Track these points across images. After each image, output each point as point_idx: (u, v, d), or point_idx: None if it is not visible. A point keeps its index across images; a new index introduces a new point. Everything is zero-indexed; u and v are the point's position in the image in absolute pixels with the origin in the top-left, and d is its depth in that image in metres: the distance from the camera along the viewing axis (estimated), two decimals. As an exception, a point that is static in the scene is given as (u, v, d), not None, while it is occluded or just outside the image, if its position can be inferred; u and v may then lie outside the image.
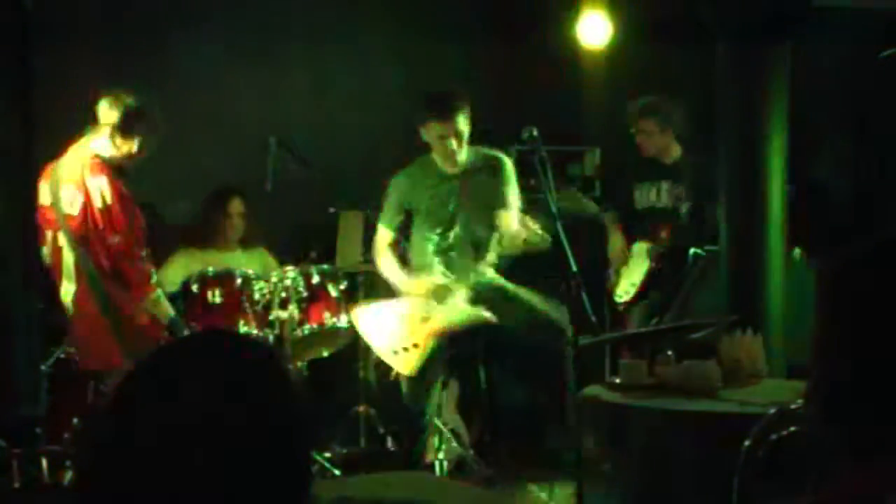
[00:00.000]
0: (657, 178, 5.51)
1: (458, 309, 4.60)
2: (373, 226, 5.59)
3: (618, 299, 5.50)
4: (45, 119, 4.92)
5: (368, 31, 6.35)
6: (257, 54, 6.12)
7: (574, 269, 4.10)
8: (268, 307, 4.97)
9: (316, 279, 5.09)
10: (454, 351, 4.78)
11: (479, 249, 4.72)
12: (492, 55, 6.36)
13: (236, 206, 5.53)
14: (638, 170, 5.56)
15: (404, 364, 4.63)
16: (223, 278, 4.99)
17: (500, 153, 4.78)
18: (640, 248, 5.52)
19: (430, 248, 4.73)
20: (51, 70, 5.14)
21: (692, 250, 5.20)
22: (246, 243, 5.60)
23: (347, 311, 5.16)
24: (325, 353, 5.31)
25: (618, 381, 3.81)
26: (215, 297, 4.94)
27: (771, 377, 3.82)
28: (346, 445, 5.40)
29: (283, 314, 4.96)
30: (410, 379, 4.67)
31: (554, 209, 4.21)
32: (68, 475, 4.42)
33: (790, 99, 4.62)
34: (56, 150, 4.86)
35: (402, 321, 4.64)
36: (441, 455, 5.20)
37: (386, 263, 4.80)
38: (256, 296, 4.98)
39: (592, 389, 3.79)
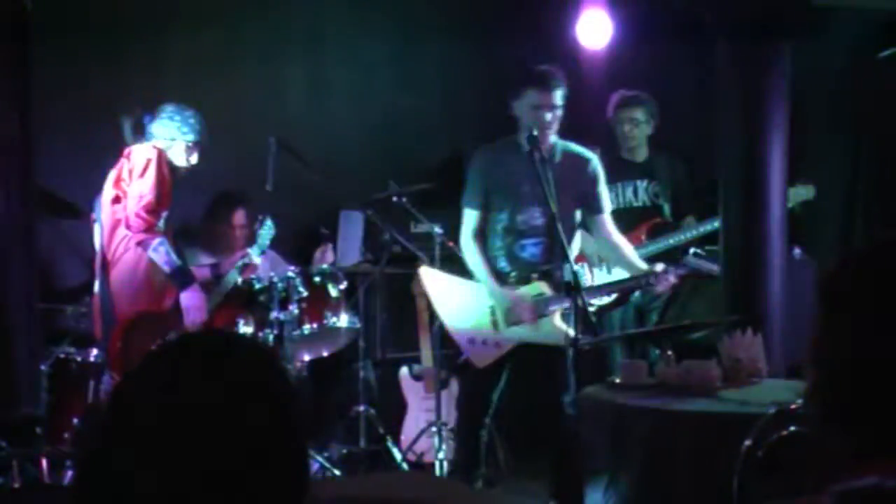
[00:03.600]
0: (632, 178, 5.52)
1: (553, 327, 4.39)
2: (373, 226, 5.61)
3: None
4: (45, 119, 4.93)
5: (368, 31, 6.35)
6: (257, 54, 6.12)
7: (574, 269, 4.11)
8: (268, 307, 4.97)
9: (316, 279, 5.10)
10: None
11: (555, 242, 4.35)
12: (492, 55, 6.36)
13: (240, 217, 5.55)
14: (611, 170, 5.54)
15: (480, 358, 4.48)
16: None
17: (589, 151, 4.55)
18: None
19: (500, 229, 4.49)
20: (51, 70, 5.14)
21: (692, 250, 5.18)
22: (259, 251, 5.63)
23: (347, 311, 5.17)
24: (325, 353, 5.32)
25: (618, 381, 3.81)
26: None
27: (771, 377, 3.82)
28: (346, 445, 5.40)
29: (283, 314, 4.97)
30: (477, 373, 4.52)
31: (554, 209, 4.21)
32: (68, 475, 4.42)
33: (790, 99, 4.62)
34: (56, 149, 4.88)
35: (483, 310, 4.49)
36: (441, 455, 5.20)
37: (471, 256, 4.51)
38: (256, 296, 4.99)
39: (592, 389, 3.79)
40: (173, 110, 4.80)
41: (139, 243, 4.60)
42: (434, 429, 5.28)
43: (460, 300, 4.61)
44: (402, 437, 5.58)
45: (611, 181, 5.47)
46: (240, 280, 5.03)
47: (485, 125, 6.30)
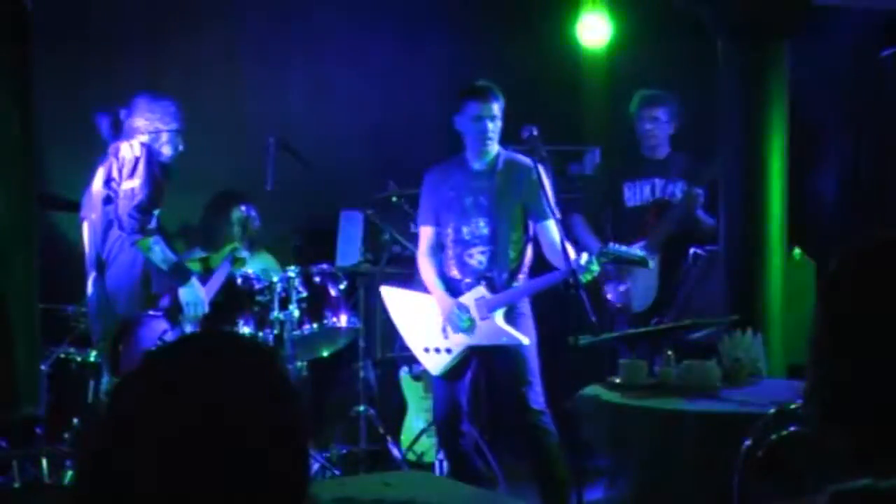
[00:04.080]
0: (651, 175, 5.50)
1: (494, 329, 4.49)
2: (373, 226, 5.61)
3: (637, 310, 5.29)
4: (45, 119, 4.93)
5: (368, 31, 6.35)
6: (257, 54, 6.12)
7: (574, 268, 4.11)
8: (268, 307, 4.97)
9: (316, 279, 5.10)
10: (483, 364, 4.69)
11: (499, 249, 4.56)
12: (492, 55, 6.36)
13: (239, 215, 5.54)
14: (629, 167, 5.54)
15: (434, 364, 4.61)
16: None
17: (530, 160, 4.60)
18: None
19: (450, 241, 4.63)
20: (51, 70, 5.14)
21: (692, 250, 5.18)
22: (250, 249, 5.62)
23: (347, 311, 5.17)
24: (325, 353, 5.32)
25: (618, 381, 3.81)
26: (220, 302, 4.96)
27: (771, 377, 3.82)
28: (346, 445, 5.40)
29: (283, 314, 4.97)
30: (441, 382, 4.63)
31: (554, 209, 4.21)
32: (68, 475, 4.42)
33: (790, 99, 4.62)
34: (56, 149, 4.88)
35: (435, 320, 4.60)
36: (441, 455, 5.20)
37: (423, 267, 4.71)
38: (256, 296, 4.99)
39: (592, 389, 3.79)
40: (150, 101, 4.71)
41: (134, 244, 4.59)
42: (434, 429, 5.28)
43: (415, 314, 4.72)
44: (402, 437, 5.58)
45: (630, 178, 5.48)
46: (239, 280, 5.02)
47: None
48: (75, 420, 4.62)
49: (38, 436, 4.51)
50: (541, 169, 4.55)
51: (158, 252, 4.59)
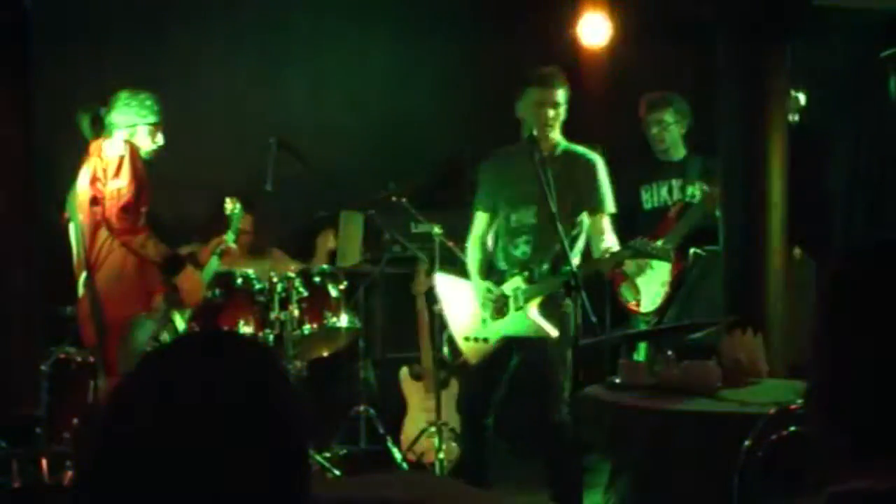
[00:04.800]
0: (667, 177, 5.49)
1: (526, 320, 4.45)
2: (373, 226, 5.61)
3: (646, 310, 5.29)
4: (45, 118, 4.93)
5: (368, 31, 6.35)
6: (257, 54, 6.12)
7: (574, 269, 4.11)
8: (268, 307, 4.97)
9: (316, 279, 5.10)
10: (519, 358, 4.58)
11: (543, 239, 4.43)
12: (492, 55, 6.36)
13: (246, 223, 5.54)
14: (645, 170, 5.53)
15: (473, 353, 4.59)
16: (223, 278, 5.01)
17: (594, 153, 4.57)
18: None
19: (500, 230, 4.59)
20: (51, 70, 5.14)
21: (692, 250, 5.18)
22: (255, 252, 5.63)
23: (347, 311, 5.17)
24: (325, 353, 5.32)
25: (618, 381, 3.81)
26: (215, 297, 4.95)
27: (771, 377, 3.82)
28: (346, 445, 5.40)
29: (283, 314, 4.97)
30: (475, 372, 4.61)
31: (554, 209, 4.21)
32: (68, 475, 4.42)
33: (790, 99, 4.62)
34: (56, 149, 4.87)
35: (477, 309, 4.58)
36: (441, 455, 5.20)
37: (469, 257, 4.67)
38: (256, 296, 4.99)
39: (592, 389, 3.79)
40: (128, 96, 4.67)
41: (123, 244, 4.55)
42: (434, 429, 5.28)
43: (460, 302, 4.69)
44: (402, 437, 5.58)
45: (646, 181, 5.47)
46: (239, 280, 5.01)
47: (484, 125, 6.31)
48: (75, 420, 4.62)
49: (38, 436, 4.50)
50: (600, 162, 4.52)
51: (151, 247, 4.56)
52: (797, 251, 5.36)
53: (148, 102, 4.68)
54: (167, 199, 5.63)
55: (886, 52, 5.40)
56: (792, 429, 2.83)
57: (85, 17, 5.65)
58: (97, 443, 1.18)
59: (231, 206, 5.21)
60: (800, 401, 3.02)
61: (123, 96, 4.67)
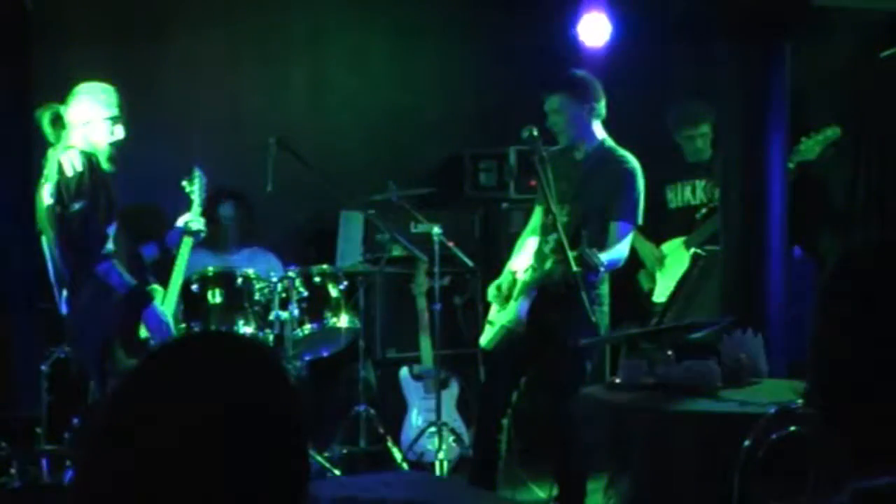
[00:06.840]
0: (692, 177, 5.52)
1: (520, 312, 4.46)
2: (373, 226, 5.61)
3: (657, 299, 5.40)
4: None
5: (368, 31, 6.35)
6: (257, 54, 6.12)
7: (574, 269, 4.10)
8: (268, 307, 4.97)
9: (316, 279, 5.11)
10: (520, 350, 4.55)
11: (566, 238, 4.23)
12: (492, 55, 6.36)
13: (227, 210, 5.53)
14: (672, 169, 5.55)
15: (483, 336, 4.65)
16: (223, 278, 5.00)
17: (628, 158, 4.50)
18: (673, 245, 5.47)
19: (536, 224, 4.65)
20: (51, 70, 5.14)
21: (692, 250, 5.19)
22: (244, 245, 5.62)
23: (347, 311, 5.17)
24: (325, 353, 5.32)
25: (618, 381, 3.81)
26: (215, 297, 4.94)
27: (771, 377, 3.82)
28: (346, 445, 5.40)
29: (283, 314, 4.97)
30: (494, 373, 4.67)
31: (554, 209, 4.21)
32: (68, 475, 4.43)
33: (790, 99, 4.62)
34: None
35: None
36: (441, 455, 5.20)
37: (517, 243, 4.74)
38: (256, 296, 4.99)
39: (592, 389, 3.79)
40: (84, 91, 4.45)
41: (93, 272, 4.30)
42: (434, 429, 5.28)
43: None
44: (402, 437, 5.58)
45: (672, 180, 5.50)
46: (239, 280, 5.01)
47: (484, 125, 6.32)
48: (75, 420, 4.62)
49: (38, 436, 4.51)
50: (633, 169, 4.46)
51: (115, 277, 4.31)
52: (797, 251, 5.38)
53: (103, 96, 4.45)
54: (167, 200, 5.64)
55: (886, 52, 5.40)
56: (792, 429, 2.84)
57: (84, 17, 5.65)
58: (97, 442, 1.18)
59: (188, 184, 4.85)
60: (800, 401, 3.03)
61: (80, 91, 4.44)
